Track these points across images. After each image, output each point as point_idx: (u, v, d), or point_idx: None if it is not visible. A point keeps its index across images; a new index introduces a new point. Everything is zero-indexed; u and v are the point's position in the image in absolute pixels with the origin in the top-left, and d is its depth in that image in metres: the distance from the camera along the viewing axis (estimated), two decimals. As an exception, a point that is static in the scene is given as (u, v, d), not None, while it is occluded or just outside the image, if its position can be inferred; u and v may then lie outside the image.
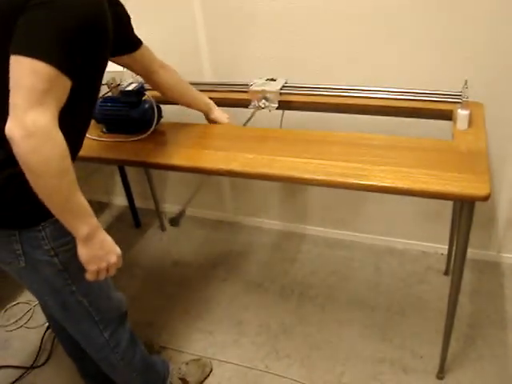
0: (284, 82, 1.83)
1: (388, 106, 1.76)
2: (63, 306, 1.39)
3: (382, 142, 1.59)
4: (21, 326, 2.25)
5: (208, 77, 2.26)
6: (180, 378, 1.85)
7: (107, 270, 1.26)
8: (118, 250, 1.27)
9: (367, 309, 2.14)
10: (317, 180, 1.45)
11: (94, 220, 1.17)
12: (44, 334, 2.18)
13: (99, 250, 1.21)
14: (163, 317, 2.22)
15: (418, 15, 1.82)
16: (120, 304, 1.56)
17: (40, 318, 2.26)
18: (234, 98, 1.90)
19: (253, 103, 1.81)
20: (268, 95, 1.79)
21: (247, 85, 1.83)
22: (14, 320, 2.28)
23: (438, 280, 2.24)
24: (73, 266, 1.28)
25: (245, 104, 1.84)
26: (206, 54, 2.21)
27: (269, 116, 1.86)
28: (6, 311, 2.33)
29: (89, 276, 1.23)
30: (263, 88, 1.80)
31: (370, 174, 1.43)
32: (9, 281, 2.44)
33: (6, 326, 2.23)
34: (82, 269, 1.24)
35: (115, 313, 1.54)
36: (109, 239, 1.24)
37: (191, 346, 2.06)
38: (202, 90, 1.94)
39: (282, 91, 1.81)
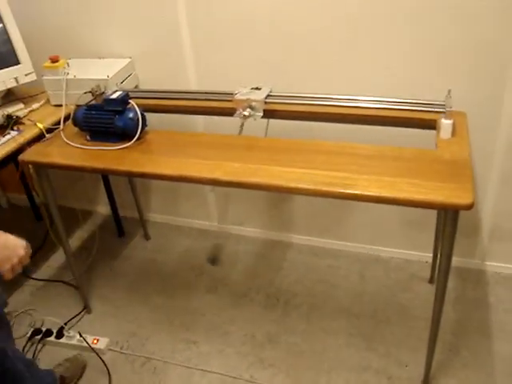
0: (269, 90, 1.83)
1: (372, 116, 1.77)
2: None
3: (367, 152, 1.60)
4: (2, 337, 2.22)
5: (193, 85, 2.26)
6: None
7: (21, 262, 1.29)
8: (22, 242, 1.31)
9: (352, 317, 2.14)
10: (302, 189, 1.46)
11: None
12: (25, 344, 2.15)
13: (5, 250, 1.25)
14: (147, 327, 2.20)
15: (401, 25, 1.84)
16: None
17: (22, 329, 2.24)
18: (219, 106, 1.90)
19: (238, 112, 1.81)
20: (253, 104, 1.79)
21: (232, 94, 1.83)
22: (-5, 331, 2.25)
23: (422, 288, 2.25)
24: None
25: (230, 113, 1.83)
26: (191, 62, 2.21)
27: (254, 125, 1.86)
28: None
29: (6, 276, 1.26)
30: (248, 97, 1.80)
31: (355, 183, 1.44)
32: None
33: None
34: None
35: None
36: (10, 237, 1.29)
37: (175, 356, 2.05)
38: (186, 99, 1.94)
39: (267, 100, 1.81)
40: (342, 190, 1.42)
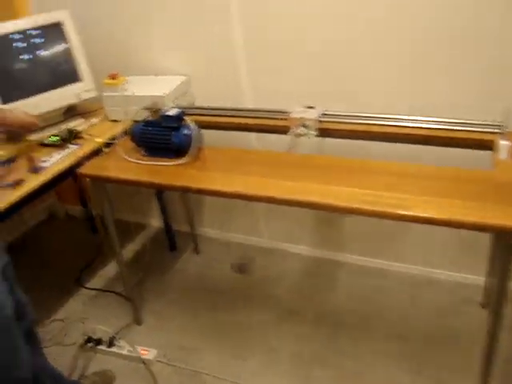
0: (323, 110, 1.84)
1: (427, 136, 1.75)
2: None
3: (422, 172, 1.59)
4: (55, 344, 2.29)
5: (247, 103, 2.29)
6: None
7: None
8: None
9: (402, 340, 2.10)
10: (357, 209, 1.45)
11: None
12: (77, 352, 2.21)
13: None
14: (196, 340, 2.22)
15: (458, 45, 1.82)
16: (22, 372, 1.50)
17: (74, 336, 2.30)
18: (274, 124, 1.92)
19: (292, 130, 1.82)
20: (307, 122, 1.80)
21: (286, 112, 1.85)
22: (49, 337, 2.32)
23: (475, 312, 2.18)
24: None
25: (284, 131, 1.85)
26: (246, 81, 2.24)
27: (307, 143, 1.87)
28: (41, 328, 2.36)
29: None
30: (302, 115, 1.81)
31: (409, 204, 1.43)
32: (45, 298, 2.51)
33: (41, 342, 2.25)
34: None
35: (14, 377, 1.48)
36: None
37: (224, 371, 2.06)
38: (240, 116, 1.97)
39: (321, 119, 1.82)
40: (397, 211, 1.41)
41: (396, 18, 1.86)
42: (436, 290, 2.34)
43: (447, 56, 1.86)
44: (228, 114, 2.02)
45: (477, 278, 2.30)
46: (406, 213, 1.40)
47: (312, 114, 1.82)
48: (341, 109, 1.85)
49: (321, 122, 1.82)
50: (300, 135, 1.81)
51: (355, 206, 1.45)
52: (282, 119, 1.86)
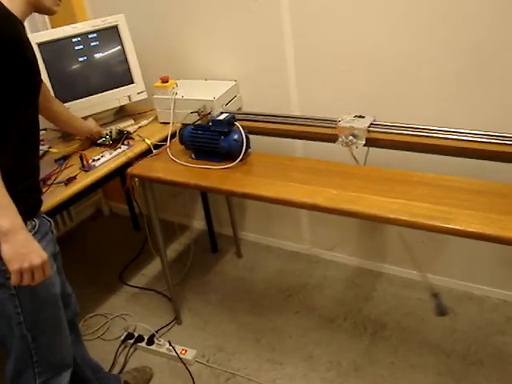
0: (372, 119, 1.83)
1: (476, 149, 1.72)
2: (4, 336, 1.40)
3: (470, 186, 1.57)
4: (97, 338, 2.35)
5: (294, 110, 2.30)
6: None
7: (32, 275, 1.21)
8: (43, 253, 1.22)
9: (442, 355, 2.07)
10: (402, 220, 1.45)
11: (17, 218, 1.18)
12: (119, 347, 2.26)
13: (22, 248, 1.18)
14: (234, 343, 2.24)
15: (504, 57, 1.79)
16: (65, 356, 1.53)
17: (116, 331, 2.36)
18: (322, 132, 1.92)
19: (340, 139, 1.82)
20: (356, 132, 1.80)
21: (335, 120, 1.85)
22: (91, 331, 2.39)
23: (519, 332, 2.14)
24: (24, 294, 1.33)
25: (332, 139, 1.85)
26: (294, 88, 2.26)
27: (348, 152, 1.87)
28: (84, 321, 2.43)
29: (13, 278, 1.19)
30: (351, 124, 1.81)
31: (457, 217, 1.42)
32: (89, 292, 2.57)
33: (84, 335, 2.29)
34: (33, 299, 1.31)
35: (57, 360, 1.50)
36: (35, 242, 1.22)
37: (260, 375, 2.07)
38: (288, 123, 1.98)
39: (370, 128, 1.81)
40: (442, 225, 1.40)
41: (449, 25, 1.84)
42: (478, 306, 2.29)
43: (499, 67, 1.83)
44: (276, 121, 2.03)
45: (522, 296, 2.25)
46: (454, 227, 1.39)
47: (361, 124, 1.82)
48: (391, 118, 1.84)
49: (369, 131, 1.81)
50: (349, 144, 1.81)
51: (401, 217, 1.45)
52: (331, 127, 1.86)
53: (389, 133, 1.81)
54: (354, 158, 1.83)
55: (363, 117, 1.86)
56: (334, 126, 1.85)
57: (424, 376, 1.99)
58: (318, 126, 1.92)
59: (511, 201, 1.47)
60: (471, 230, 1.37)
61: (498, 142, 1.67)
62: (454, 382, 1.95)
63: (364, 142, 1.81)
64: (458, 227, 1.39)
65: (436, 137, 1.75)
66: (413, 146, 1.81)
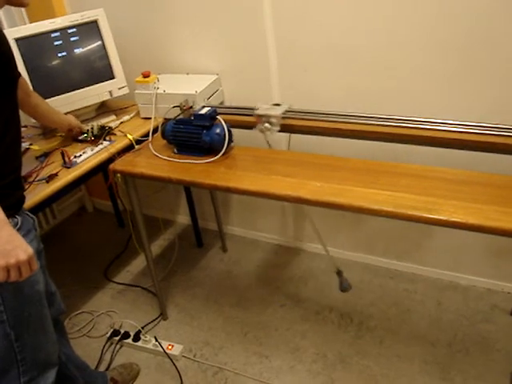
0: (287, 107, 1.92)
1: (459, 140, 1.73)
2: None
3: (453, 176, 1.58)
4: (83, 335, 2.33)
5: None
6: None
7: (19, 271, 1.18)
8: (29, 249, 1.19)
9: (428, 344, 2.09)
10: (386, 211, 1.45)
11: (0, 214, 1.17)
12: (105, 344, 2.25)
13: (6, 244, 1.16)
14: (221, 337, 2.24)
15: (498, 49, 1.80)
16: (50, 355, 1.51)
17: (102, 329, 2.35)
18: (243, 120, 1.98)
19: (258, 125, 1.91)
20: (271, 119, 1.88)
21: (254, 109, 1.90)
22: (77, 329, 2.37)
23: (504, 320, 2.16)
24: (8, 291, 1.30)
25: (251, 126, 1.92)
26: (276, 81, 2.25)
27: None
28: (70, 319, 2.42)
29: None
30: (267, 112, 1.87)
31: (441, 208, 1.42)
32: (74, 290, 2.55)
33: (69, 333, 2.28)
34: (17, 296, 1.28)
35: (41, 359, 1.47)
36: (20, 237, 1.20)
37: (247, 368, 2.07)
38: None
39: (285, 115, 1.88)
40: (427, 215, 1.41)
41: (438, 21, 1.84)
42: (464, 295, 2.31)
43: (481, 60, 1.84)
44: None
45: (507, 284, 2.27)
46: (438, 217, 1.39)
47: (276, 111, 1.90)
48: (378, 110, 1.83)
49: (284, 118, 1.89)
50: (263, 131, 1.90)
51: (385, 208, 1.45)
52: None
53: (301, 119, 1.87)
54: (268, 143, 1.95)
55: (279, 105, 1.93)
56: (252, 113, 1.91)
57: (410, 365, 2.00)
58: (240, 115, 1.99)
59: (495, 191, 1.48)
60: (455, 219, 1.38)
61: (483, 132, 1.68)
62: (439, 370, 1.97)
63: (278, 129, 1.87)
64: (441, 217, 1.39)
65: (419, 128, 1.76)
66: (325, 131, 1.88)
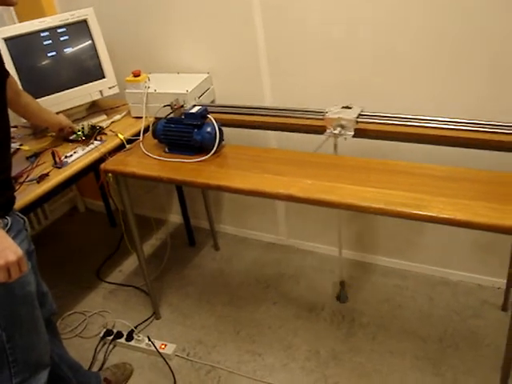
0: (360, 110, 1.82)
1: (449, 137, 1.74)
2: None
3: (442, 173, 1.59)
4: (75, 336, 2.33)
5: (268, 102, 2.30)
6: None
7: (9, 272, 1.19)
8: (18, 250, 1.20)
9: (419, 340, 2.10)
10: (375, 208, 1.46)
11: None
12: (98, 344, 2.25)
13: None
14: (213, 336, 2.24)
15: (488, 47, 1.81)
16: (43, 356, 1.51)
17: (94, 329, 2.34)
18: (309, 124, 1.91)
19: (328, 131, 1.81)
20: (344, 123, 1.79)
21: (323, 112, 1.84)
22: (70, 329, 2.36)
23: (494, 315, 2.17)
24: None
25: (320, 131, 1.85)
26: (267, 79, 2.26)
27: (325, 143, 1.88)
28: (62, 319, 2.41)
29: None
30: (339, 115, 1.79)
31: (430, 204, 1.43)
32: (66, 291, 2.55)
33: (62, 334, 2.27)
34: (8, 297, 1.28)
35: (33, 360, 1.47)
36: (9, 238, 1.21)
37: (240, 367, 2.08)
38: (268, 115, 1.99)
39: (359, 119, 1.80)
40: (415, 212, 1.42)
41: (427, 15, 1.85)
42: (454, 291, 2.33)
43: (476, 57, 1.85)
44: (252, 113, 2.03)
45: (497, 280, 2.29)
46: (427, 213, 1.41)
47: (350, 114, 1.80)
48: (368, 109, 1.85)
49: (358, 122, 1.80)
50: (337, 135, 1.81)
51: (375, 205, 1.46)
52: (317, 119, 1.86)
53: (377, 123, 1.80)
54: (335, 149, 1.85)
55: (350, 107, 1.85)
56: (321, 117, 1.84)
57: (402, 361, 2.02)
58: (303, 118, 1.92)
59: (482, 187, 1.49)
60: (444, 216, 1.39)
61: (470, 129, 1.69)
62: (430, 365, 1.99)
63: (353, 133, 1.80)
64: (431, 214, 1.41)
65: (414, 125, 1.76)
66: (400, 136, 1.81)
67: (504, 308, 2.19)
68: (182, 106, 2.05)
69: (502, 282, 2.19)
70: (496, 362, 1.70)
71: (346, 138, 1.81)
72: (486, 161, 1.74)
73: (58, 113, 2.10)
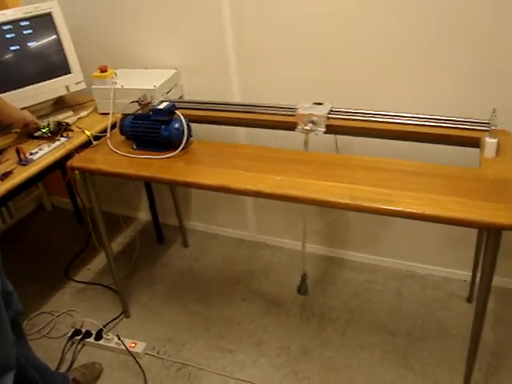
0: (331, 106, 1.83)
1: (415, 132, 1.77)
2: None
3: (409, 168, 1.60)
4: (43, 336, 2.29)
5: (236, 98, 2.30)
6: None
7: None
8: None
9: (388, 334, 2.13)
10: (343, 204, 1.47)
11: None
12: (66, 344, 2.21)
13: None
14: (184, 333, 2.23)
15: (448, 44, 1.83)
16: (8, 357, 1.50)
17: (62, 329, 2.31)
18: (280, 120, 1.92)
19: (299, 126, 1.82)
20: (315, 119, 1.80)
21: (294, 108, 1.84)
22: (37, 329, 2.32)
23: (460, 307, 2.22)
24: None
25: (291, 127, 1.85)
26: (236, 75, 2.25)
27: (295, 138, 1.88)
28: (29, 320, 2.36)
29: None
30: (310, 112, 1.80)
31: (397, 199, 1.44)
32: (33, 290, 2.50)
33: (29, 334, 2.24)
34: None
35: None
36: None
37: (211, 363, 2.07)
38: (233, 111, 1.98)
39: (330, 115, 1.81)
40: (383, 206, 1.43)
41: (395, 13, 1.87)
42: (421, 284, 2.37)
43: (442, 55, 1.88)
44: (222, 109, 2.02)
45: (462, 273, 2.33)
46: (395, 208, 1.42)
47: (321, 110, 1.81)
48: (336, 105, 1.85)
49: (329, 118, 1.80)
50: (308, 131, 1.81)
51: (342, 200, 1.47)
52: (289, 115, 1.86)
53: (348, 119, 1.81)
54: (306, 145, 1.84)
55: (322, 104, 1.85)
56: (292, 113, 1.84)
57: (371, 355, 2.04)
58: (275, 114, 1.92)
59: (449, 181, 1.51)
60: (411, 210, 1.40)
61: (436, 125, 1.73)
62: (400, 358, 2.01)
63: (324, 130, 1.81)
64: (398, 208, 1.42)
65: (376, 121, 1.78)
66: (371, 132, 1.83)
67: (469, 300, 2.24)
68: (150, 102, 2.02)
69: (468, 274, 2.23)
70: (462, 352, 1.73)
71: (317, 134, 1.82)
72: (453, 156, 1.77)
73: (22, 108, 2.05)
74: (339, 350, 2.08)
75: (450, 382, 1.89)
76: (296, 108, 1.84)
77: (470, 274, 2.19)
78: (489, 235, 1.41)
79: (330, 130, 1.83)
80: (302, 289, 2.30)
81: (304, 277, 2.27)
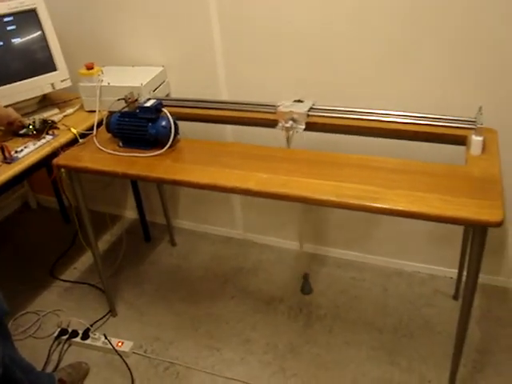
0: (311, 103, 1.84)
1: (402, 130, 1.77)
2: None
3: (396, 166, 1.61)
4: (28, 336, 2.27)
5: (224, 95, 2.29)
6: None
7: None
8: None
9: (375, 330, 2.14)
10: (330, 201, 1.47)
11: None
12: (52, 344, 2.19)
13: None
14: (171, 332, 2.22)
15: (433, 42, 1.84)
16: None
17: (48, 328, 2.29)
18: (260, 117, 1.92)
19: (280, 124, 1.82)
20: (295, 116, 1.80)
21: (275, 106, 1.85)
22: (23, 329, 2.30)
23: (446, 304, 2.23)
24: None
25: (272, 124, 1.85)
26: (223, 72, 2.24)
27: (280, 136, 1.88)
28: (14, 320, 2.34)
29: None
30: (291, 109, 1.80)
31: (384, 197, 1.45)
32: (19, 290, 2.48)
33: (15, 335, 2.22)
34: None
35: None
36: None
37: (199, 362, 2.07)
38: (223, 109, 1.99)
39: (310, 113, 1.81)
40: (370, 204, 1.43)
41: (380, 12, 1.87)
42: (408, 281, 2.38)
43: (426, 53, 1.89)
44: (208, 106, 2.02)
45: (448, 270, 2.35)
46: (382, 206, 1.42)
47: (301, 108, 1.82)
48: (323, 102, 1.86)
49: (309, 116, 1.81)
50: (288, 129, 1.81)
51: (329, 198, 1.47)
52: (270, 113, 1.86)
53: (328, 117, 1.81)
54: (288, 142, 1.84)
55: (302, 101, 1.86)
56: (273, 111, 1.84)
57: (358, 351, 2.05)
58: (256, 112, 1.92)
59: (435, 179, 1.52)
60: (398, 208, 1.41)
61: (421, 123, 1.73)
62: (386, 355, 2.02)
63: (304, 127, 1.82)
64: (385, 206, 1.42)
65: (364, 119, 1.79)
66: (351, 129, 1.84)
67: (455, 297, 2.26)
68: (137, 100, 2.01)
69: (454, 272, 2.25)
70: (448, 348, 1.75)
71: (297, 131, 1.83)
72: (439, 154, 1.78)
73: (6, 106, 2.03)
74: (326, 347, 2.08)
75: (436, 379, 1.90)
76: (277, 106, 1.85)
77: (457, 271, 2.21)
78: (474, 232, 1.42)
79: (311, 127, 1.84)
80: (305, 288, 2.31)
81: (306, 276, 2.27)
